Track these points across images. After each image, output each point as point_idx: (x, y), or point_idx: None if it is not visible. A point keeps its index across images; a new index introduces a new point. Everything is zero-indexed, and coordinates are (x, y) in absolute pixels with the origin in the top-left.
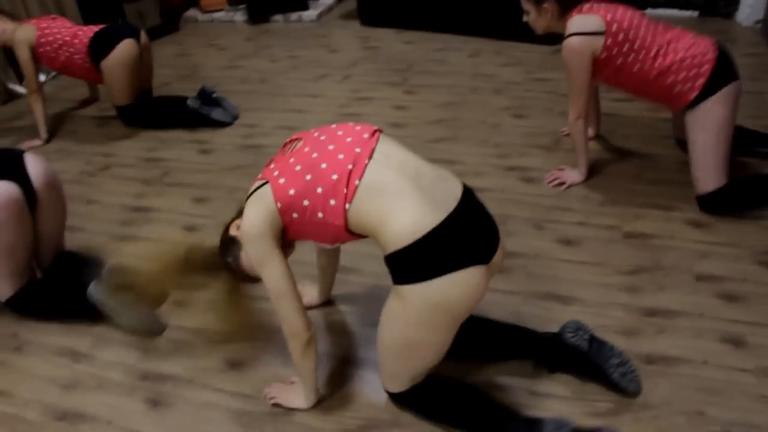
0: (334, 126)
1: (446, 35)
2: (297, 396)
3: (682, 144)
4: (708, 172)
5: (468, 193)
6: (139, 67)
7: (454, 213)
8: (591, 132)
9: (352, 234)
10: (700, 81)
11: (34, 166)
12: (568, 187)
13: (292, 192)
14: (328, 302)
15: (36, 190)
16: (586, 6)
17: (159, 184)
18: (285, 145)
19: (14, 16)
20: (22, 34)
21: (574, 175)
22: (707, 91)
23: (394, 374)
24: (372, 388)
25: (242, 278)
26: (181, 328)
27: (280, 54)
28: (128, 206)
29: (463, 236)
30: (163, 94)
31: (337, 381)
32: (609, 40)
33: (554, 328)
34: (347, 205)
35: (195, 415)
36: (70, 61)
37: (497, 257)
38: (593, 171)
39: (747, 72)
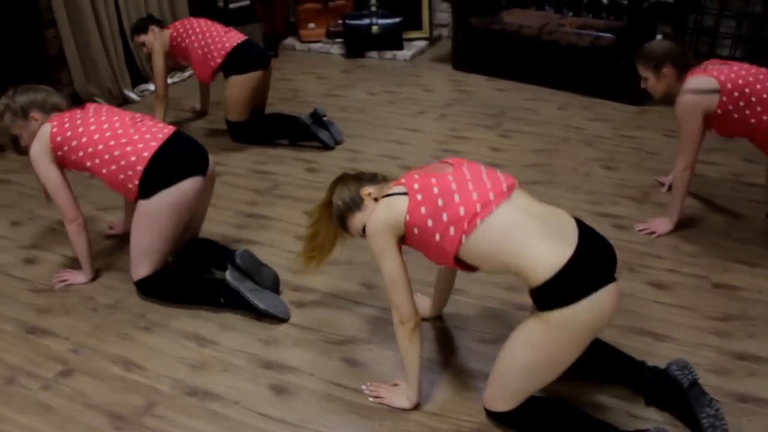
0: (482, 167)
1: (534, 86)
2: (400, 396)
3: None
4: None
5: (580, 223)
6: (259, 92)
7: (581, 242)
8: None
9: (458, 262)
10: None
11: (211, 161)
12: (658, 236)
13: (423, 210)
14: (438, 317)
15: (205, 180)
16: (702, 66)
17: (270, 195)
18: (437, 163)
19: (161, 24)
20: (160, 42)
21: (664, 224)
22: None
23: (513, 393)
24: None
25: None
26: (299, 326)
27: (377, 88)
28: (242, 212)
29: (594, 260)
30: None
31: (449, 387)
32: (724, 98)
33: (650, 362)
34: (463, 237)
35: (317, 404)
36: (193, 52)
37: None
38: (681, 224)
39: None
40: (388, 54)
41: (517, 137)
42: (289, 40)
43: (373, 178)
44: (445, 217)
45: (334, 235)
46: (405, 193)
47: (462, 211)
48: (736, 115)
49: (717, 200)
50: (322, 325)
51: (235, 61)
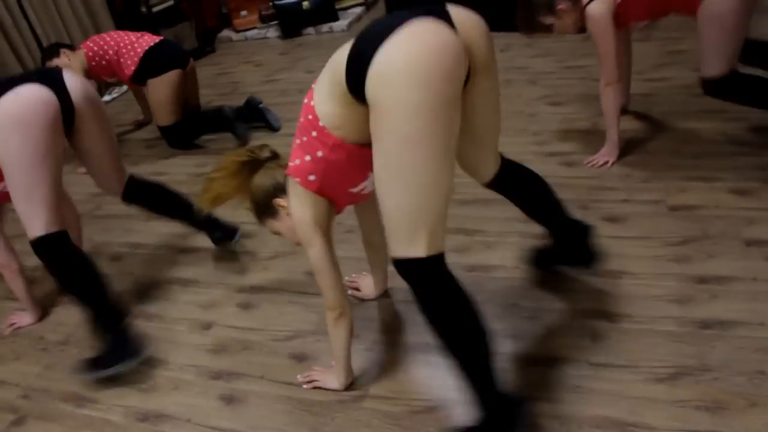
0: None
1: None
2: (332, 377)
3: None
4: (713, 57)
5: None
6: (183, 91)
7: None
8: (622, 101)
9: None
10: None
11: (72, 80)
12: (612, 164)
13: (297, 162)
14: (385, 294)
15: (75, 104)
16: None
17: None
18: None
19: (72, 47)
20: (76, 62)
21: (607, 150)
22: None
23: (424, 222)
24: (433, 371)
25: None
26: (246, 329)
27: (315, 65)
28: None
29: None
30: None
31: (398, 367)
32: None
33: (613, 303)
34: (320, 123)
35: (268, 408)
36: (117, 65)
37: (470, 30)
38: (633, 149)
39: None
40: (325, 27)
41: None
42: (225, 32)
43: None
44: (310, 136)
45: (234, 191)
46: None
47: (314, 133)
48: None
49: (669, 118)
50: (268, 324)
51: (150, 65)
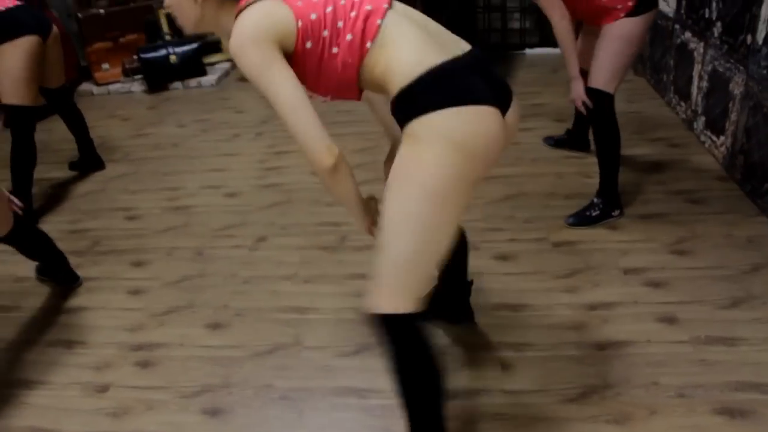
0: None
1: None
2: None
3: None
4: (602, 71)
5: (481, 53)
6: (40, 66)
7: (463, 56)
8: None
9: (359, 84)
10: (631, 3)
11: None
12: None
13: (313, 17)
14: (296, 342)
15: None
16: None
17: (92, 254)
18: None
19: None
20: None
21: (576, 87)
22: (632, 12)
23: (410, 280)
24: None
25: None
26: (149, 388)
27: (186, 119)
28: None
29: (472, 77)
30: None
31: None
32: None
33: (516, 335)
34: (368, 44)
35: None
36: None
37: (511, 117)
38: (512, 193)
39: (622, 96)
40: (193, 82)
41: (339, 141)
42: (85, 86)
43: None
44: (340, 24)
45: None
46: None
47: (353, 13)
48: None
49: (538, 164)
50: (173, 381)
51: (1, 25)
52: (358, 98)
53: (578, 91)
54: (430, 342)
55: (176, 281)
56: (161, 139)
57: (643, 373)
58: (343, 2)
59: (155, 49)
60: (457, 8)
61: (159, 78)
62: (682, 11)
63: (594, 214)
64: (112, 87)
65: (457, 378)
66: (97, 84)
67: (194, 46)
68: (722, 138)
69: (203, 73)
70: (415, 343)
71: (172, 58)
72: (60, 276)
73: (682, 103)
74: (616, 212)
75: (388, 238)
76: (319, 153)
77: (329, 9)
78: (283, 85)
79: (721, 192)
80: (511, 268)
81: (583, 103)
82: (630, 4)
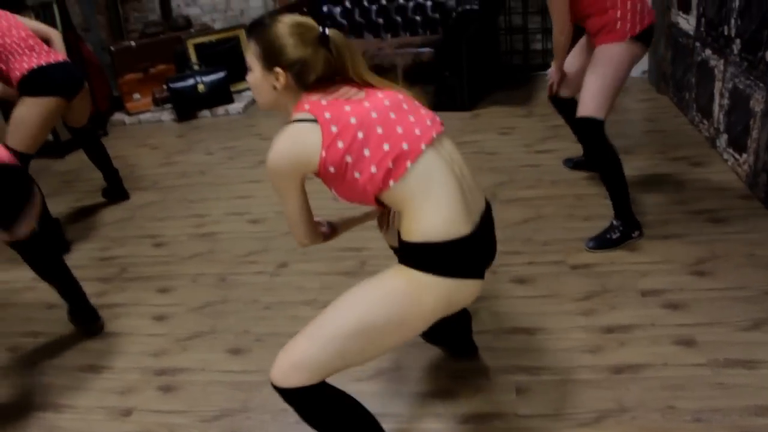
0: (400, 96)
1: None
2: None
3: (562, 104)
4: (592, 98)
5: (488, 208)
6: (54, 123)
7: (479, 226)
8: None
9: (376, 202)
10: (638, 28)
11: None
12: (554, 85)
13: (341, 145)
14: None
15: None
16: None
17: (119, 281)
18: (335, 82)
19: None
20: None
21: (551, 73)
22: (636, 37)
23: (319, 361)
24: None
25: None
26: (170, 413)
27: (214, 146)
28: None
29: (481, 250)
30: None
31: None
32: None
33: (531, 358)
34: (392, 182)
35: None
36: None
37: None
38: (534, 215)
39: (645, 115)
40: (221, 110)
41: None
42: (117, 116)
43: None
44: (367, 152)
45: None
46: (314, 121)
47: (386, 146)
48: None
49: (558, 186)
50: (194, 405)
51: (34, 81)
52: (379, 208)
53: (553, 77)
54: (338, 391)
55: (200, 307)
56: (189, 166)
57: (660, 396)
58: (380, 131)
59: (184, 78)
60: (479, 30)
61: (188, 107)
62: (702, 29)
63: (614, 236)
64: (143, 116)
65: (471, 402)
66: (129, 114)
67: (221, 75)
68: (744, 156)
69: (230, 100)
70: (325, 401)
71: (200, 87)
72: (79, 312)
73: (705, 121)
74: (636, 233)
75: (340, 302)
76: (298, 241)
77: (360, 134)
78: (290, 204)
79: (743, 211)
80: (527, 291)
81: (576, 129)
82: (637, 29)
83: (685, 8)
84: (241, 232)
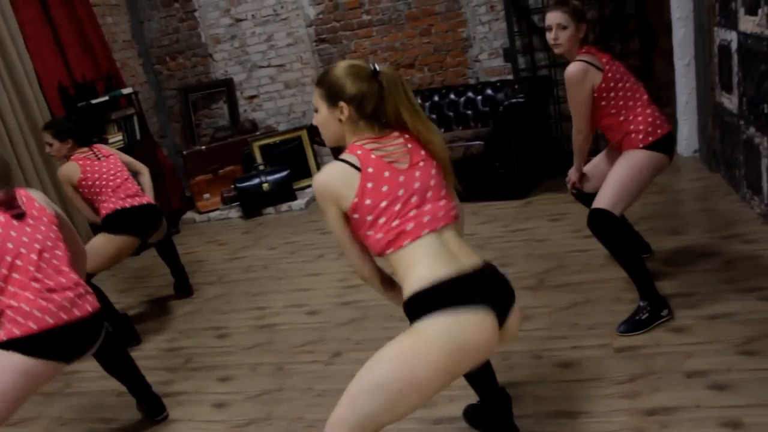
0: (432, 180)
1: None
2: None
3: (586, 198)
4: (610, 192)
5: (489, 266)
6: (125, 256)
7: (471, 272)
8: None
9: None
10: (651, 138)
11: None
12: (570, 183)
13: (368, 202)
14: None
15: None
16: (593, 49)
17: (184, 370)
18: (390, 130)
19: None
20: (68, 168)
21: (572, 171)
22: (649, 146)
23: (352, 419)
24: None
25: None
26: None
27: (277, 242)
28: (158, 393)
29: (476, 288)
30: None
31: None
32: (603, 84)
33: None
34: (389, 252)
35: None
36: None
37: (512, 321)
38: (578, 298)
39: (697, 194)
40: (284, 206)
41: None
42: (189, 214)
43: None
44: (381, 220)
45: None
46: (358, 169)
47: (395, 223)
48: (603, 103)
49: (605, 270)
50: None
51: (114, 220)
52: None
53: (571, 175)
54: None
55: (257, 395)
56: (253, 261)
57: None
58: (398, 208)
59: (250, 178)
60: (527, 121)
61: (253, 204)
62: (744, 107)
63: (643, 317)
64: (212, 214)
65: None
66: (199, 212)
67: (285, 173)
68: None
69: (293, 197)
70: None
71: (265, 185)
72: (145, 402)
73: (756, 198)
74: (665, 311)
75: (371, 366)
76: (356, 270)
77: (383, 204)
78: (333, 224)
79: None
80: (571, 375)
81: (589, 221)
82: (650, 139)
83: (728, 88)
84: (299, 323)
